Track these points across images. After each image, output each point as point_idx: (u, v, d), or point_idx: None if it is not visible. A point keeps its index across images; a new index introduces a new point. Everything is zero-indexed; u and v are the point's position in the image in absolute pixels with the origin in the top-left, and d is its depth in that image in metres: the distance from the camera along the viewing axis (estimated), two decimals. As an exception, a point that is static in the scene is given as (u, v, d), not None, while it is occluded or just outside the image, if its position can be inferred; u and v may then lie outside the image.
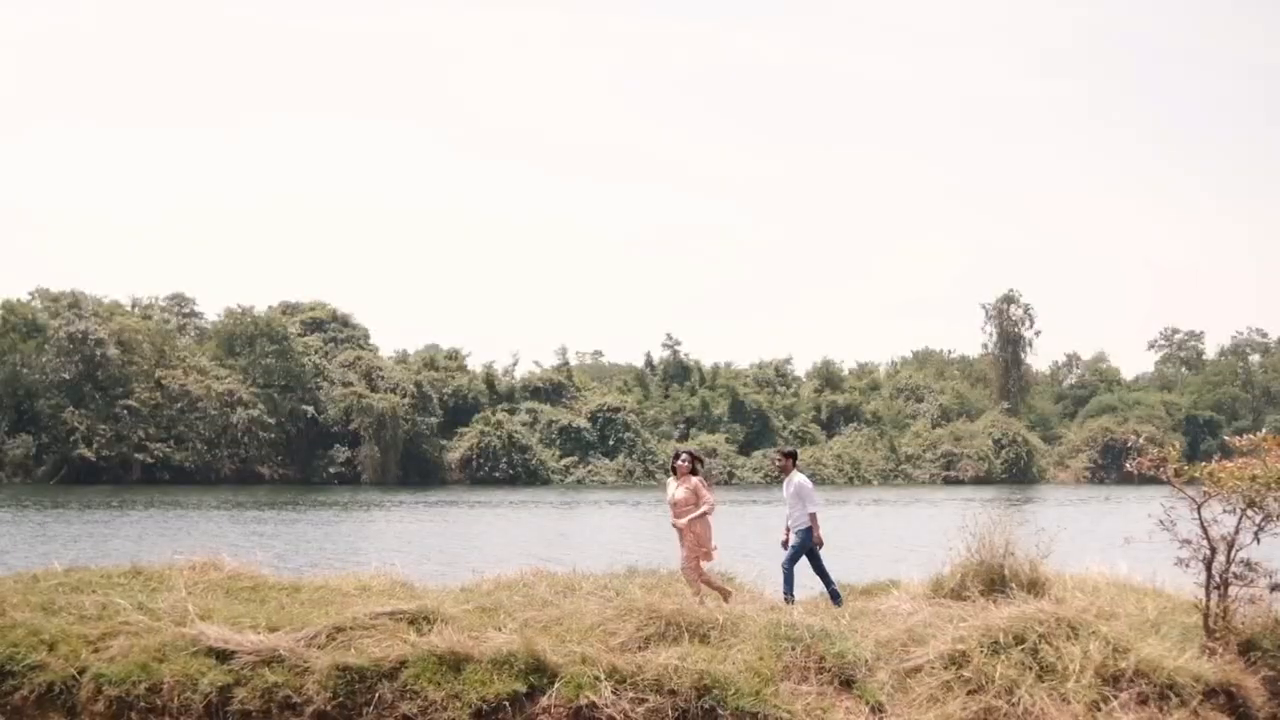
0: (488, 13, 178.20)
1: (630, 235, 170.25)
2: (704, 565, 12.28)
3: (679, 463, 12.40)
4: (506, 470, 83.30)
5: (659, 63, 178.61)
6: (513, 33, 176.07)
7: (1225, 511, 11.35)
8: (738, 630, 10.27)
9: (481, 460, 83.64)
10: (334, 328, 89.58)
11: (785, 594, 12.60)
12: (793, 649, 10.03)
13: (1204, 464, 11.33)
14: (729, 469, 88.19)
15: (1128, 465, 11.73)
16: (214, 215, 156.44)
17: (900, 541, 32.64)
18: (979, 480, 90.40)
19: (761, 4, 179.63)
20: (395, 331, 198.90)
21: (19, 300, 77.83)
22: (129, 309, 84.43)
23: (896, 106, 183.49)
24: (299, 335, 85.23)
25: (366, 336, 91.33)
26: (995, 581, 11.75)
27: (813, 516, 12.65)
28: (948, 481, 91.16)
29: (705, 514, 12.13)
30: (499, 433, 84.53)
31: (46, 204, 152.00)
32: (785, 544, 12.92)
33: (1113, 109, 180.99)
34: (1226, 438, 11.63)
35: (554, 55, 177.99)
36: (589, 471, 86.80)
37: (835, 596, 12.63)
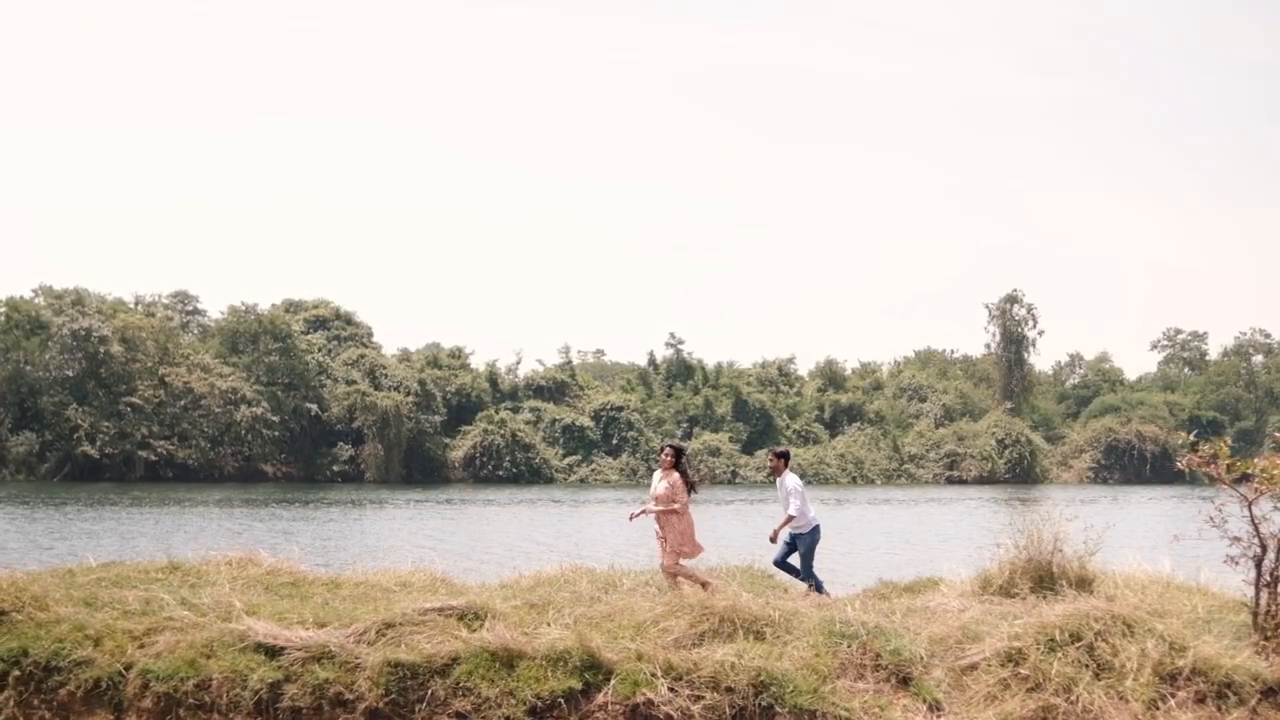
0: (488, 12, 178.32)
1: (630, 235, 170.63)
2: (683, 561, 12.14)
3: (662, 455, 12.18)
4: (510, 469, 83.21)
5: (659, 63, 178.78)
6: (513, 33, 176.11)
7: (1276, 509, 11.24)
8: (791, 627, 10.14)
9: (485, 459, 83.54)
10: (337, 326, 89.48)
11: (818, 593, 12.52)
12: (848, 646, 9.90)
13: (1256, 460, 11.21)
14: (733, 468, 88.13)
15: (1179, 464, 11.60)
16: (216, 213, 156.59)
17: (919, 540, 32.58)
18: (982, 480, 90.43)
19: (761, 4, 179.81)
20: (397, 330, 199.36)
21: (22, 297, 77.68)
22: (132, 306, 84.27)
23: (896, 106, 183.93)
24: (302, 333, 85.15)
25: (370, 334, 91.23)
26: (1044, 578, 11.64)
27: (790, 518, 12.47)
28: (950, 481, 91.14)
29: (674, 512, 11.75)
30: (502, 431, 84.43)
31: (50, 202, 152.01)
32: (772, 538, 12.79)
33: (1113, 109, 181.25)
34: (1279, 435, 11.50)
35: (554, 55, 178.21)
36: (592, 470, 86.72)
37: (800, 577, 12.47)
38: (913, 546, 28.84)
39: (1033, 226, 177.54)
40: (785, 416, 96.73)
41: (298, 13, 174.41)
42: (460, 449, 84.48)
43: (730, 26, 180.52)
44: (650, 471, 73.62)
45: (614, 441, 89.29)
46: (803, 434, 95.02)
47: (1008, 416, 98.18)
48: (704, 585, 11.99)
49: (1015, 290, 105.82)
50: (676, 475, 11.92)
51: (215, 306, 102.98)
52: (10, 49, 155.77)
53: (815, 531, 12.60)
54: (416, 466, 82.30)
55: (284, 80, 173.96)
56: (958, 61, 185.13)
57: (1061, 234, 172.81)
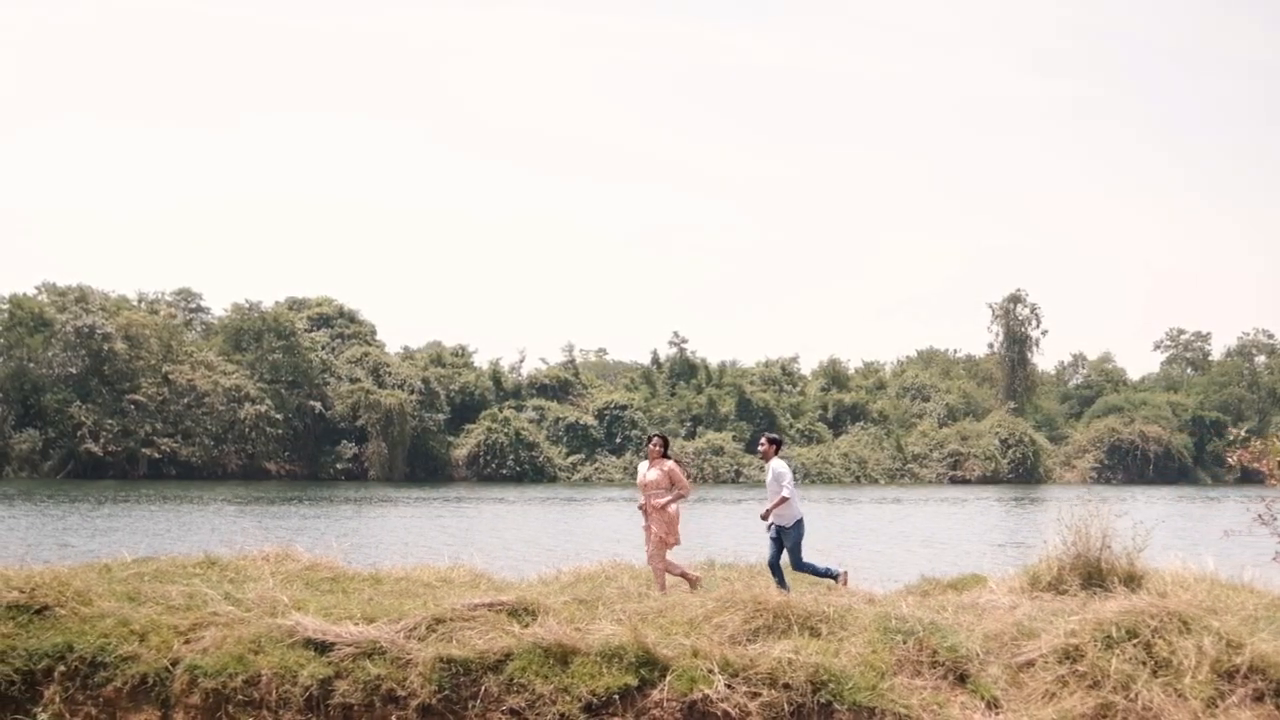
0: (488, 12, 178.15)
1: (631, 235, 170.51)
2: (669, 554, 12.19)
3: (651, 445, 12.37)
4: (513, 467, 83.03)
5: (659, 63, 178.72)
6: (513, 33, 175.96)
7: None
8: (846, 623, 10.03)
9: (489, 457, 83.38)
10: (341, 323, 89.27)
11: (832, 579, 12.41)
12: (904, 642, 9.79)
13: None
14: (736, 467, 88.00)
15: (1229, 459, 11.51)
16: (219, 212, 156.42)
17: (936, 539, 32.43)
18: (985, 480, 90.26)
19: (761, 4, 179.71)
20: (400, 329, 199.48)
21: (26, 295, 77.29)
22: (136, 304, 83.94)
23: (896, 106, 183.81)
24: (306, 331, 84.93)
25: (373, 332, 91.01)
26: (1093, 575, 11.55)
27: (783, 499, 12.24)
28: (954, 481, 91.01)
29: (680, 497, 12.15)
30: (506, 430, 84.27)
31: (52, 200, 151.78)
32: (764, 516, 12.54)
33: (1113, 109, 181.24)
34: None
35: (554, 55, 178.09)
36: (596, 469, 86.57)
37: (781, 585, 12.32)
38: (932, 546, 28.69)
39: (1033, 226, 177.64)
40: (789, 416, 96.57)
41: (298, 13, 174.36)
42: (464, 447, 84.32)
43: (730, 26, 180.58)
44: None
45: (617, 440, 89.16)
46: (806, 433, 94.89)
47: (1011, 416, 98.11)
48: (691, 581, 11.93)
49: (1019, 290, 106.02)
50: (670, 463, 12.16)
51: (219, 304, 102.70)
52: (10, 49, 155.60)
53: (799, 525, 12.38)
54: (420, 465, 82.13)
55: (284, 80, 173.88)
56: (958, 61, 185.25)
57: (1061, 234, 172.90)
